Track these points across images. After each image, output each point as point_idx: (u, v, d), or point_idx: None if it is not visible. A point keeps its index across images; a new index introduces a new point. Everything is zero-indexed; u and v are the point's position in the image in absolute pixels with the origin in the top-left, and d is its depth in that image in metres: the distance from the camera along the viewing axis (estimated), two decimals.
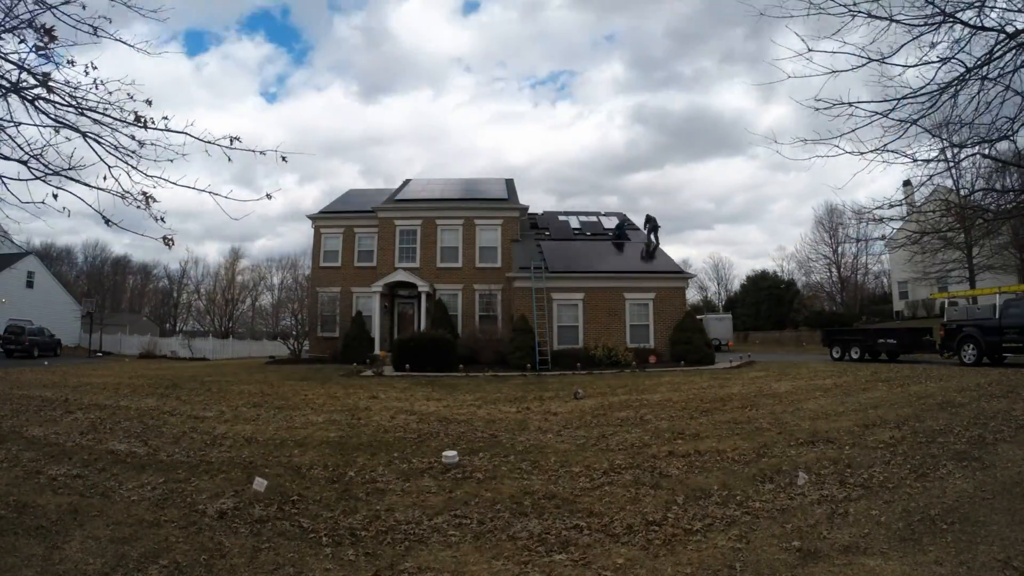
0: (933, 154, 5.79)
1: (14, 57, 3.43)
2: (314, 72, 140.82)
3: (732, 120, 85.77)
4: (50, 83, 3.35)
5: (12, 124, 3.49)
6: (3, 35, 3.38)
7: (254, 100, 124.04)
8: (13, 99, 3.50)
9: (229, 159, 3.78)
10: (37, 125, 3.53)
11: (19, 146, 3.52)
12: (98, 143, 3.61)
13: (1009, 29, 4.88)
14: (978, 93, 5.18)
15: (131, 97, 3.58)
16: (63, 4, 3.36)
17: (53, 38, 3.28)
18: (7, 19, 3.38)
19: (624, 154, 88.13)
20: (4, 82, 3.44)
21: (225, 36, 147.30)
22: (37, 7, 3.35)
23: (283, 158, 3.73)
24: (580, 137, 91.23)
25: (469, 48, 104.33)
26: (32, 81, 3.38)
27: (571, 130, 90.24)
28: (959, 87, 5.13)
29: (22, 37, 3.36)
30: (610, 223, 25.95)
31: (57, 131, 3.56)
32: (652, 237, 23.02)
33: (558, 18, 74.66)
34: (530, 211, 25.17)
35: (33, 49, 3.34)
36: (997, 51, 4.94)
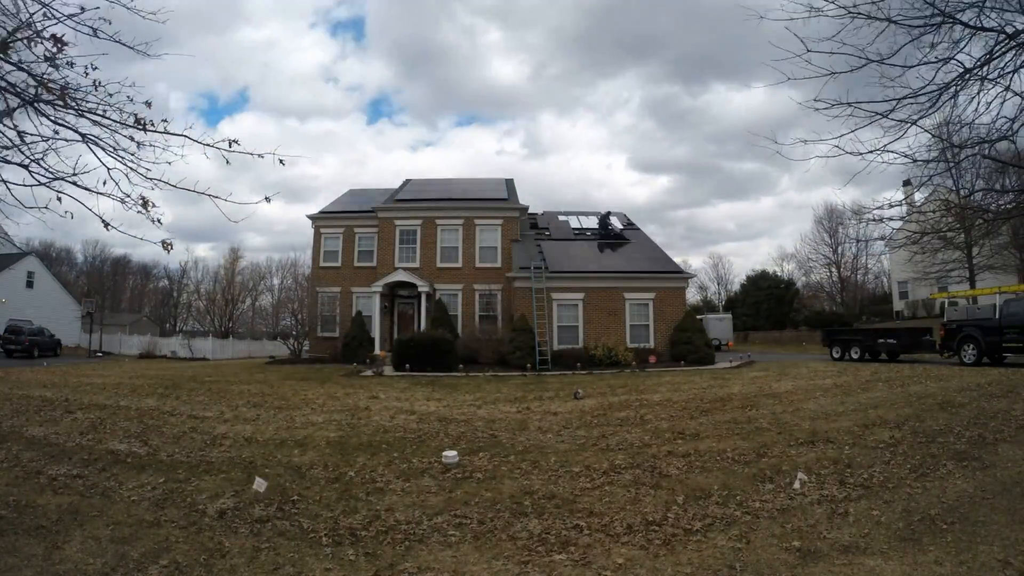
0: (933, 154, 5.80)
1: (19, 64, 3.42)
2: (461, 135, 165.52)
3: (758, 175, 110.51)
4: (67, 95, 3.35)
5: (15, 129, 3.49)
6: (12, 44, 3.38)
7: (401, 151, 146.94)
8: (14, 101, 3.49)
9: (227, 161, 3.80)
10: (40, 134, 3.53)
11: (20, 150, 3.52)
12: (97, 145, 3.60)
13: (1009, 29, 4.88)
14: (978, 93, 5.19)
15: (131, 100, 3.58)
16: (73, 16, 3.36)
17: (64, 45, 3.28)
18: (18, 29, 3.38)
19: (670, 200, 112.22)
20: (11, 89, 3.43)
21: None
22: (47, 18, 3.35)
23: (280, 161, 3.80)
24: (642, 190, 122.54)
25: (594, 144, 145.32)
26: (47, 96, 3.37)
27: (636, 186, 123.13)
28: (959, 87, 5.13)
29: (36, 43, 3.35)
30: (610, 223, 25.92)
31: (56, 133, 3.56)
32: (610, 219, 24.27)
33: (648, 135, 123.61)
34: (530, 211, 25.17)
35: (44, 58, 3.33)
36: (997, 51, 4.94)
